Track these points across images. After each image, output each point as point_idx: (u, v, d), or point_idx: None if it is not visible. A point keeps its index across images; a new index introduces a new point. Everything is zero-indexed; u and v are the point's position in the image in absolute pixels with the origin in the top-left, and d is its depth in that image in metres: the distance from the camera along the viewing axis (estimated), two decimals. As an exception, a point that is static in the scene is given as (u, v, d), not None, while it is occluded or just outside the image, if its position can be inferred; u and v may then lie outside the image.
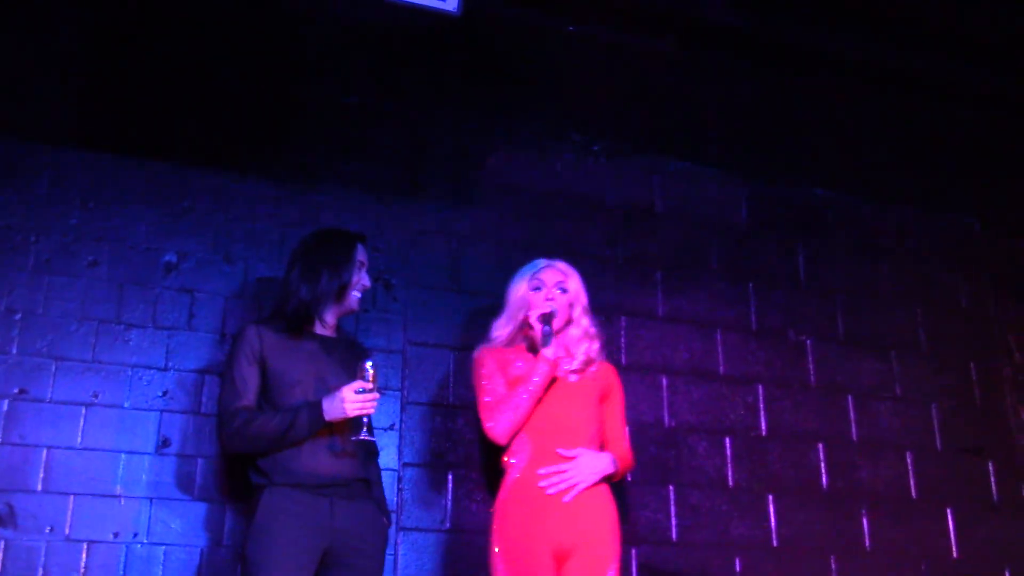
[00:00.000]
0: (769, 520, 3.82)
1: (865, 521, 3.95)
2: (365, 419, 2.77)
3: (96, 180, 3.33)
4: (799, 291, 4.23)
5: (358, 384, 2.73)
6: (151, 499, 3.08)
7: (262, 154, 3.57)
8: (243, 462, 2.86)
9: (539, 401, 3.01)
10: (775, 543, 3.79)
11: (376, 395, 2.76)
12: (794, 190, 4.40)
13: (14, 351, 3.09)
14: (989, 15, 4.23)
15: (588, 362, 3.16)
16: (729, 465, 3.84)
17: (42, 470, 3.00)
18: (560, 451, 2.96)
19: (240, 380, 2.80)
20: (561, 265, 3.24)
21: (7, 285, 3.14)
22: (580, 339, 3.17)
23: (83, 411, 3.10)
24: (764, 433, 3.93)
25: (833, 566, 3.83)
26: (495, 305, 3.32)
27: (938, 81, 4.66)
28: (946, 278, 4.55)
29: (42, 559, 2.92)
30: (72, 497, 3.01)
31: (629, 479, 3.61)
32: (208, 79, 3.59)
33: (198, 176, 3.45)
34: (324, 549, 2.73)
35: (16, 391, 3.05)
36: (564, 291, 3.18)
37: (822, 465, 3.98)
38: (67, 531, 2.97)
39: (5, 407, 3.03)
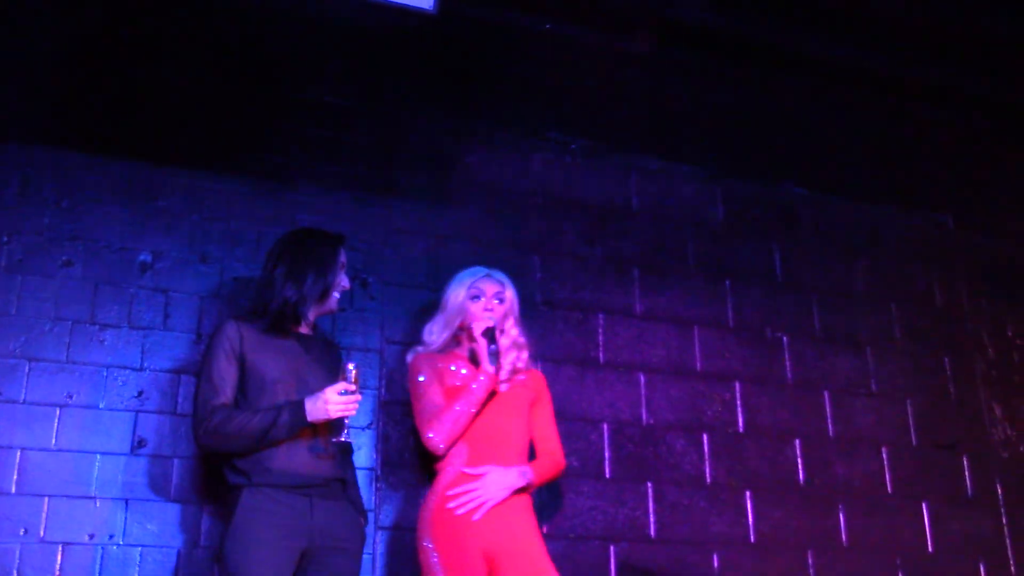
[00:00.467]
0: (747, 516, 3.84)
1: (841, 516, 3.98)
2: (346, 420, 2.77)
3: (69, 179, 3.30)
4: (775, 288, 4.26)
5: (341, 386, 2.73)
6: (127, 500, 3.06)
7: (238, 153, 3.56)
8: (219, 461, 2.84)
9: (479, 411, 3.07)
10: (753, 539, 3.81)
11: (358, 397, 2.76)
12: (770, 188, 4.43)
13: (-14, 352, 3.06)
14: (960, 16, 4.27)
15: (516, 371, 3.22)
16: (707, 462, 3.85)
17: (15, 471, 2.97)
18: (466, 470, 3.01)
19: (218, 377, 2.78)
20: (499, 275, 3.29)
21: (-21, 285, 3.11)
22: (509, 348, 3.22)
23: (57, 412, 3.07)
24: (741, 430, 3.96)
25: (810, 561, 3.86)
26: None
27: (911, 81, 4.70)
28: (920, 275, 4.59)
29: (16, 561, 2.89)
30: (47, 499, 2.98)
31: (606, 475, 3.63)
32: (183, 78, 3.57)
33: (173, 175, 3.43)
34: (303, 549, 2.72)
35: (-11, 392, 3.03)
36: (501, 301, 3.23)
37: (799, 461, 4.00)
38: (42, 533, 2.94)
39: (-22, 409, 3.00)
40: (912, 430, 4.26)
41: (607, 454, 3.70)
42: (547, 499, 3.54)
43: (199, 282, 3.36)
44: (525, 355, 3.27)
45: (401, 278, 3.63)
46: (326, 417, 2.73)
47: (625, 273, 4.00)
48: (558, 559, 3.45)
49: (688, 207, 4.24)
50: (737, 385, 4.02)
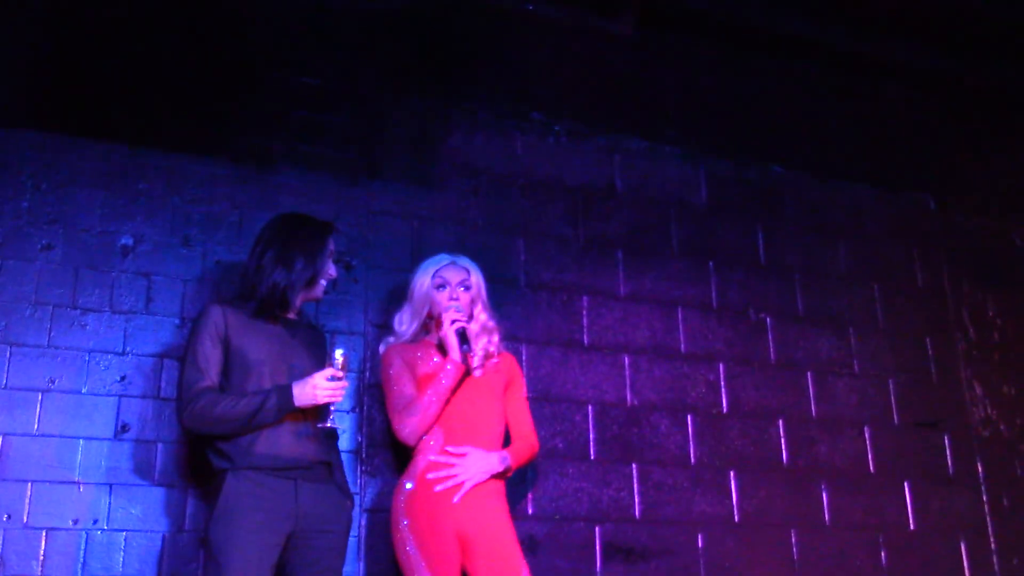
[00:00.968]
0: (731, 496, 3.86)
1: (824, 495, 4.01)
2: (332, 406, 2.78)
3: (47, 162, 3.27)
4: (759, 269, 4.27)
5: (329, 372, 2.74)
6: (111, 485, 3.05)
7: (219, 136, 3.53)
8: (203, 445, 2.83)
9: (448, 401, 3.08)
10: (737, 518, 3.83)
11: (346, 383, 2.77)
12: (752, 169, 4.44)
13: (-33, 337, 3.04)
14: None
15: (488, 356, 3.23)
16: (691, 442, 3.87)
17: (-2, 457, 2.95)
18: (449, 448, 3.03)
19: (203, 359, 2.77)
20: (463, 261, 3.30)
21: (-41, 270, 3.09)
22: (479, 334, 3.23)
23: (39, 397, 3.05)
24: (725, 410, 3.97)
25: (793, 540, 3.89)
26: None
27: (893, 61, 4.71)
28: (902, 256, 4.62)
29: (0, 547, 2.88)
30: (30, 484, 2.96)
31: (591, 456, 3.64)
32: (163, 59, 3.53)
33: (153, 158, 3.40)
34: (289, 532, 2.72)
35: (-30, 378, 3.01)
36: (467, 288, 3.24)
37: (782, 441, 4.03)
38: (25, 518, 2.93)
39: (-41, 394, 2.98)
40: (894, 410, 4.29)
41: (592, 436, 3.71)
42: (533, 481, 3.55)
43: (181, 266, 3.34)
44: (496, 338, 3.28)
45: (384, 261, 3.62)
46: (313, 402, 2.74)
47: (609, 255, 4.00)
48: (544, 540, 3.48)
49: (672, 188, 4.24)
50: (721, 366, 4.03)
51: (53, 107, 3.35)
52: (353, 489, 3.19)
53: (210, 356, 2.79)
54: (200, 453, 2.97)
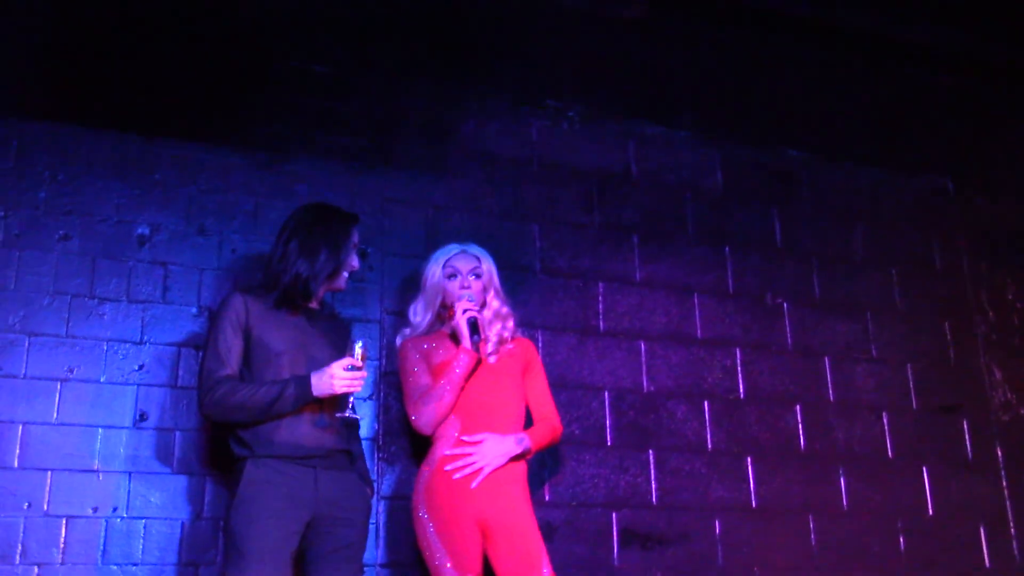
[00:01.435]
0: (748, 482, 3.85)
1: (842, 481, 4.00)
2: (351, 397, 2.78)
3: (64, 153, 3.29)
4: (775, 254, 4.25)
5: (347, 361, 2.74)
6: (130, 473, 3.07)
7: (233, 125, 3.54)
8: (225, 433, 2.85)
9: (462, 389, 3.08)
10: (754, 504, 3.83)
11: (364, 373, 2.78)
12: (768, 153, 4.41)
13: (-14, 327, 3.06)
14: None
15: (502, 342, 3.22)
16: (708, 428, 3.86)
17: (18, 446, 2.97)
18: (464, 437, 3.03)
19: (224, 348, 2.78)
20: (474, 249, 3.29)
21: (-23, 261, 3.10)
22: (492, 321, 3.23)
23: (58, 386, 3.07)
24: (742, 396, 3.96)
25: (811, 525, 3.88)
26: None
27: (910, 42, 4.67)
28: (920, 239, 4.58)
29: (20, 535, 2.91)
30: (49, 473, 2.99)
31: (607, 443, 3.64)
32: (176, 49, 3.54)
33: (168, 147, 3.41)
34: (308, 519, 2.73)
35: (-11, 368, 3.03)
36: (478, 276, 3.23)
37: (799, 427, 4.01)
38: (45, 507, 2.96)
39: (-22, 384, 3.00)
40: (912, 394, 4.27)
41: (608, 422, 3.71)
42: (550, 467, 3.55)
43: (197, 254, 3.35)
44: (511, 324, 3.27)
45: (399, 248, 3.62)
46: (331, 392, 2.74)
47: (624, 240, 3.99)
48: (561, 527, 3.49)
49: (687, 173, 4.22)
50: (737, 351, 4.02)
51: (68, 98, 3.36)
52: (371, 477, 3.20)
53: (231, 345, 2.79)
54: (218, 440, 2.98)
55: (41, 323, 3.11)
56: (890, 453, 4.13)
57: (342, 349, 2.88)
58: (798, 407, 4.04)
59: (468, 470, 2.97)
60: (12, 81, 3.32)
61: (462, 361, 3.07)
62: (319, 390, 2.74)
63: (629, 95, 4.23)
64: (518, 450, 3.04)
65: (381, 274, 3.57)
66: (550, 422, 3.21)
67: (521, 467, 3.09)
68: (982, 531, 4.16)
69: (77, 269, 3.20)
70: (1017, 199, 4.83)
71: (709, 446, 3.84)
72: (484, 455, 2.99)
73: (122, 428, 3.10)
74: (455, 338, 3.17)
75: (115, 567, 2.98)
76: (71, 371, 3.10)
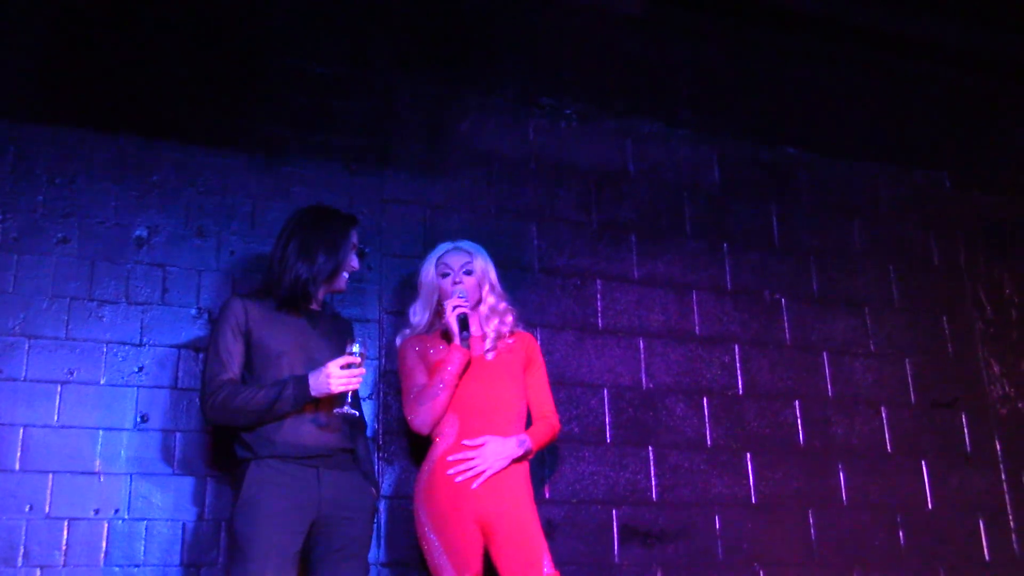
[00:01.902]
0: (748, 478, 3.86)
1: (841, 476, 4.01)
2: (349, 394, 2.78)
3: (62, 155, 3.29)
4: (773, 250, 4.25)
5: (344, 360, 2.75)
6: (131, 475, 3.08)
7: (231, 126, 3.54)
8: (228, 436, 2.85)
9: (457, 386, 3.07)
10: (754, 500, 3.84)
11: (362, 371, 2.78)
12: (765, 150, 4.41)
13: (-15, 330, 3.06)
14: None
15: (500, 337, 3.21)
16: (707, 425, 3.87)
17: (19, 448, 2.98)
18: (466, 441, 3.02)
19: (225, 352, 2.80)
20: (466, 245, 3.28)
21: (-25, 264, 3.11)
22: (489, 317, 3.22)
23: (59, 389, 3.08)
24: (741, 392, 3.97)
25: (811, 520, 3.89)
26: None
27: (907, 38, 4.67)
28: (917, 234, 4.59)
29: (23, 538, 2.91)
30: (51, 475, 2.99)
31: (607, 440, 3.65)
32: (174, 51, 3.54)
33: (165, 149, 3.42)
34: (312, 519, 2.74)
35: (-11, 371, 3.03)
36: (470, 273, 3.21)
37: (798, 422, 4.02)
38: (47, 509, 2.96)
39: (-22, 387, 3.01)
40: (911, 389, 4.28)
41: (608, 419, 3.71)
42: (550, 465, 3.56)
43: (196, 256, 3.36)
44: (509, 319, 3.25)
45: (398, 248, 3.63)
46: (328, 391, 2.75)
47: (622, 238, 3.99)
48: (561, 524, 3.49)
49: (685, 170, 4.22)
50: (736, 348, 4.03)
51: (66, 101, 3.37)
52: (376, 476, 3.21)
53: (231, 349, 2.81)
54: (220, 441, 2.99)
55: (41, 326, 3.11)
56: (889, 447, 4.14)
57: (343, 348, 2.89)
58: (797, 402, 4.05)
59: (470, 473, 2.97)
60: (9, 84, 3.32)
61: (453, 359, 3.07)
62: (317, 389, 2.75)
63: (626, 92, 4.23)
64: (519, 452, 3.04)
65: (380, 274, 3.57)
66: (548, 421, 3.20)
67: (523, 466, 3.09)
68: (981, 524, 4.17)
69: (76, 271, 3.20)
70: (1014, 193, 4.84)
71: (708, 442, 3.85)
72: (486, 458, 2.99)
73: (123, 430, 3.11)
74: (447, 336, 3.17)
75: (117, 569, 2.99)
76: (71, 373, 3.10)
